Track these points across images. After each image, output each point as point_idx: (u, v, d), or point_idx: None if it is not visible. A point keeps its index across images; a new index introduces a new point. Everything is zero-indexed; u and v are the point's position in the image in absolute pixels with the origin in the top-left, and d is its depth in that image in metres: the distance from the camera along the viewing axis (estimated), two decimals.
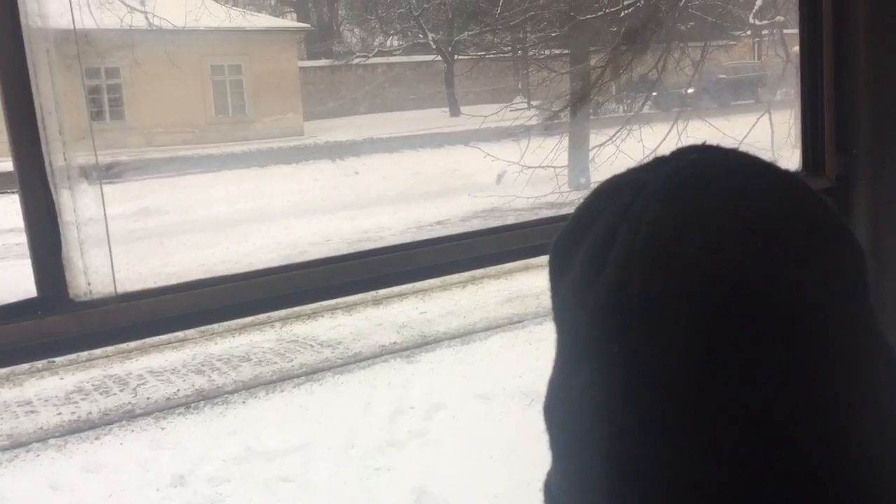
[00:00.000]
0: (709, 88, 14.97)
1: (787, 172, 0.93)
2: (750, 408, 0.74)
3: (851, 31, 1.83)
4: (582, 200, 1.00)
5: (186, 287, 1.36)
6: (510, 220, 8.00)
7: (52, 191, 1.33)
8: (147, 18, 12.43)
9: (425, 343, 8.94)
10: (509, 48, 17.89)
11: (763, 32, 10.39)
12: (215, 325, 7.54)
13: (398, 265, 1.43)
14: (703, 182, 0.86)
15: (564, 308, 0.92)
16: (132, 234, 11.31)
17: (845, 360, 0.77)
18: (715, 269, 0.76)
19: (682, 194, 0.85)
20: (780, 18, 8.20)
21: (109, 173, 13.33)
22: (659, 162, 0.96)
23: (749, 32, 10.15)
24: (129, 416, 7.64)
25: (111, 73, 14.91)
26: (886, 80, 1.84)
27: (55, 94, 1.36)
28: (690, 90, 12.89)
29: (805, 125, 1.87)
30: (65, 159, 1.38)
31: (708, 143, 1.00)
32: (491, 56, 17.30)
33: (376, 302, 10.04)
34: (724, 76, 16.79)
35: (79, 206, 1.44)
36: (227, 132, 16.23)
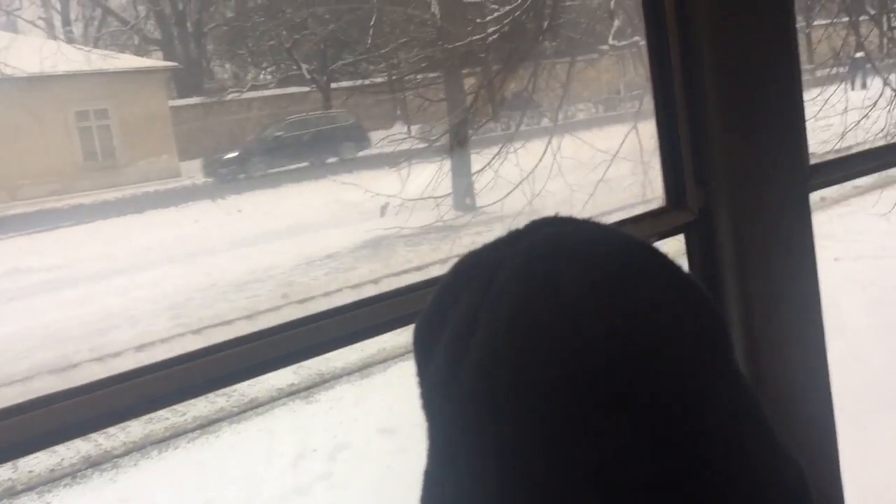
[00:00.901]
0: (258, 151, 15.12)
1: (639, 242, 0.94)
2: (626, 483, 0.73)
3: (698, 64, 1.89)
4: (441, 281, 0.99)
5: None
6: (399, 247, 7.97)
7: None
8: (0, 70, 11.83)
9: (323, 381, 8.77)
10: (384, 75, 17.96)
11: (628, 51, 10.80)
12: None
13: (280, 348, 1.36)
14: (558, 260, 0.86)
15: (431, 398, 0.91)
16: (2, 295, 10.69)
17: (713, 424, 0.78)
18: (579, 352, 0.76)
19: (540, 274, 0.85)
20: (638, 40, 8.54)
21: None
22: (513, 237, 0.97)
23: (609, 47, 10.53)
24: (9, 493, 7.14)
25: None
26: (737, 112, 1.90)
27: None
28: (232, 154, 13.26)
29: (665, 160, 1.91)
30: None
31: (560, 215, 1.01)
32: (366, 84, 17.31)
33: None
34: (281, 134, 16.16)
35: None
36: (99, 179, 15.56)
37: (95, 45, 18.69)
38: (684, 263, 1.94)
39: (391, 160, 10.73)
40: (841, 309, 7.30)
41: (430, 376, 0.90)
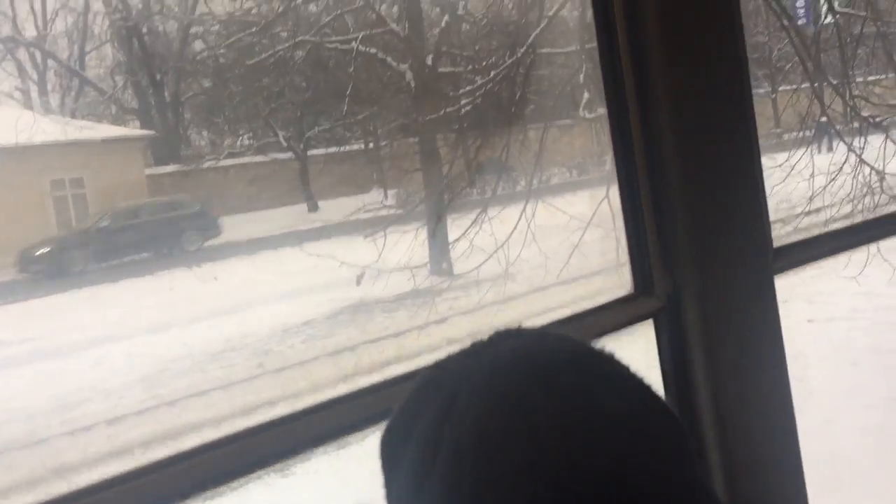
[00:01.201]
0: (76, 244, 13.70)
1: (601, 355, 0.96)
2: None
3: (660, 152, 1.93)
4: (406, 392, 1.00)
5: None
6: (377, 314, 7.94)
7: None
8: None
9: None
10: (361, 142, 18.16)
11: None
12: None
13: (266, 447, 1.35)
14: (521, 375, 0.88)
15: None
16: None
17: None
18: (542, 467, 0.77)
19: (503, 390, 0.87)
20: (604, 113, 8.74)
21: None
22: (478, 349, 0.99)
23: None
24: None
25: None
26: (700, 198, 1.94)
27: None
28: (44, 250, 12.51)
29: (631, 247, 1.94)
30: None
31: (523, 326, 1.03)
32: (343, 151, 17.48)
33: (243, 412, 9.65)
34: (107, 224, 14.45)
35: None
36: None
37: (72, 115, 18.76)
38: (653, 350, 1.96)
39: (369, 226, 10.79)
40: (815, 372, 7.35)
41: (397, 489, 0.90)
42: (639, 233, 1.92)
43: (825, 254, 2.29)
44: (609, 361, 0.94)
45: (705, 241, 1.91)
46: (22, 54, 20.19)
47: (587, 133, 15.02)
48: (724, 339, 1.89)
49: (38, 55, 20.65)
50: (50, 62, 21.13)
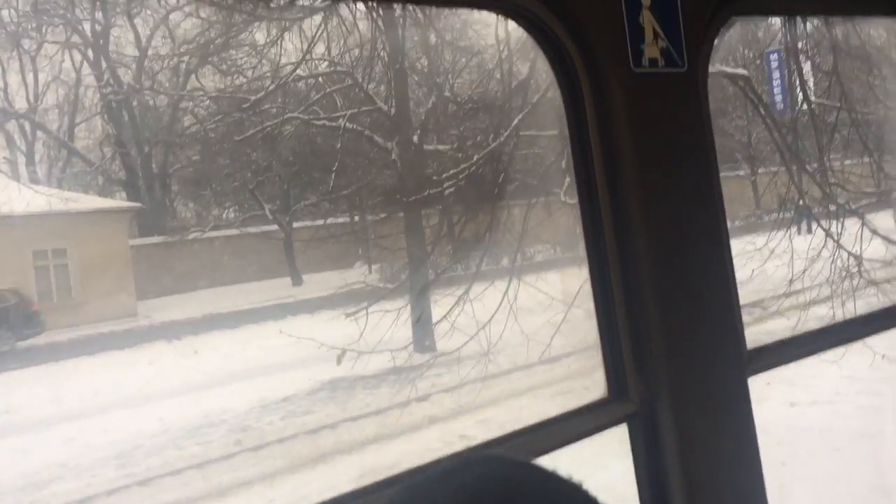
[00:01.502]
0: None
1: (566, 484, 0.95)
2: None
3: (634, 258, 1.94)
4: None
5: None
6: (358, 390, 7.80)
7: None
8: None
9: None
10: (346, 216, 18.27)
11: None
12: None
13: None
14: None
15: None
16: None
17: None
18: None
19: None
20: None
21: None
22: (447, 475, 0.98)
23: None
24: None
25: None
26: (673, 302, 1.95)
27: None
28: None
29: (605, 351, 1.94)
30: None
31: (494, 454, 1.03)
32: (328, 224, 17.56)
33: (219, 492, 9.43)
34: None
35: None
36: (52, 318, 15.28)
37: (59, 186, 18.83)
38: (627, 454, 1.94)
39: (353, 301, 10.77)
40: (798, 458, 7.29)
41: None
42: (612, 336, 1.93)
43: (801, 355, 2.30)
44: (577, 492, 0.94)
45: (679, 344, 1.92)
46: (11, 125, 20.38)
47: (572, 210, 15.20)
48: (699, 443, 1.88)
49: (27, 126, 20.85)
50: (39, 133, 21.34)
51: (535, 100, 9.05)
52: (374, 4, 11.28)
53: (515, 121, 9.13)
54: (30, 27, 19.31)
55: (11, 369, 13.13)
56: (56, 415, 11.13)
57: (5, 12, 18.36)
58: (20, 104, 20.14)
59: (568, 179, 8.59)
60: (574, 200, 9.36)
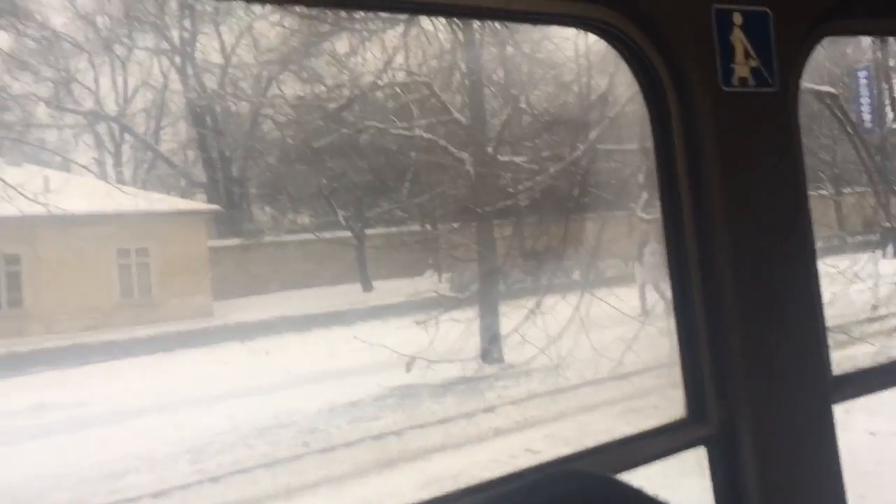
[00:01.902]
0: None
1: (653, 502, 0.95)
2: None
3: (718, 279, 1.92)
4: None
5: None
6: (424, 399, 7.81)
7: None
8: (48, 209, 12.35)
9: None
10: (418, 224, 18.41)
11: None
12: None
13: None
14: None
15: None
16: (25, 431, 10.67)
17: None
18: None
19: None
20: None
21: (3, 366, 12.72)
22: (533, 488, 0.98)
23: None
24: None
25: (11, 261, 14.57)
26: (757, 326, 1.91)
27: None
28: None
29: (685, 371, 1.91)
30: None
31: (580, 470, 1.03)
32: (400, 232, 17.71)
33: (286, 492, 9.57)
34: None
35: None
36: (133, 316, 15.83)
37: (144, 187, 19.55)
38: (702, 476, 1.91)
39: (422, 310, 10.83)
40: (879, 490, 7.00)
41: None
42: (693, 356, 1.90)
43: (889, 383, 2.22)
44: None
45: (761, 368, 1.87)
46: (101, 127, 21.26)
47: (648, 226, 15.01)
48: (781, 470, 1.83)
49: (116, 129, 21.71)
50: (126, 135, 22.20)
51: (614, 114, 8.97)
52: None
53: (593, 134, 9.06)
54: (122, 33, 20.12)
55: (92, 363, 13.64)
56: (133, 408, 11.48)
57: (99, 18, 19.18)
58: (110, 107, 21.00)
59: (645, 195, 8.47)
60: (650, 216, 9.23)
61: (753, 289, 1.92)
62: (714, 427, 1.86)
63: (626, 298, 10.31)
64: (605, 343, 9.38)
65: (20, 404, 11.41)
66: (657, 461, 1.82)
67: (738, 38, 1.85)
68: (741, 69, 1.86)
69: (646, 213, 8.87)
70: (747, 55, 1.87)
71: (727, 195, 1.91)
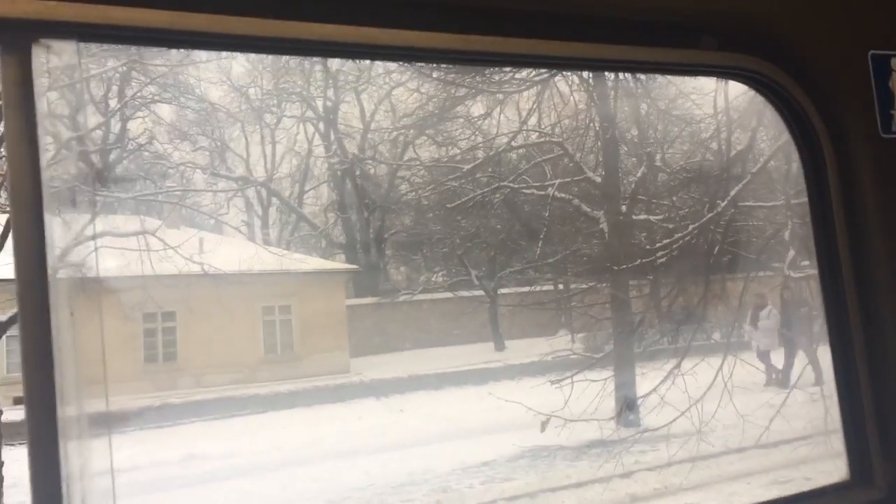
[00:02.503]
0: None
1: None
2: None
3: (880, 330, 1.84)
4: None
5: None
6: (558, 461, 7.68)
7: (60, 443, 1.29)
8: (203, 268, 13.16)
9: None
10: (551, 283, 18.32)
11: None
12: None
13: None
14: None
15: None
16: (176, 480, 11.23)
17: None
18: None
19: None
20: (810, 270, 8.34)
21: (158, 417, 13.50)
22: None
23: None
24: None
25: (167, 317, 15.55)
26: None
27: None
28: None
29: (847, 431, 1.83)
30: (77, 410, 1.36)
31: None
32: (533, 291, 17.66)
33: None
34: None
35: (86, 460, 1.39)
36: (276, 371, 16.48)
37: (288, 248, 20.53)
38: None
39: (555, 370, 10.70)
40: None
41: None
42: (854, 412, 1.81)
43: None
44: None
45: None
46: (251, 192, 22.61)
47: (790, 287, 14.32)
48: None
49: (264, 193, 23.02)
50: (273, 199, 23.49)
51: (756, 169, 8.70)
52: (589, 76, 11.45)
53: (734, 191, 8.82)
54: (271, 103, 21.47)
55: (238, 416, 14.24)
56: (274, 461, 11.86)
57: (252, 90, 20.57)
58: (259, 172, 22.33)
59: (792, 252, 8.11)
60: (798, 274, 8.80)
61: None
62: (881, 491, 1.77)
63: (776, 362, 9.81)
64: (750, 408, 8.94)
65: (172, 454, 12.03)
66: None
67: None
68: None
69: (793, 271, 8.47)
70: None
71: (890, 248, 1.83)
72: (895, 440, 1.78)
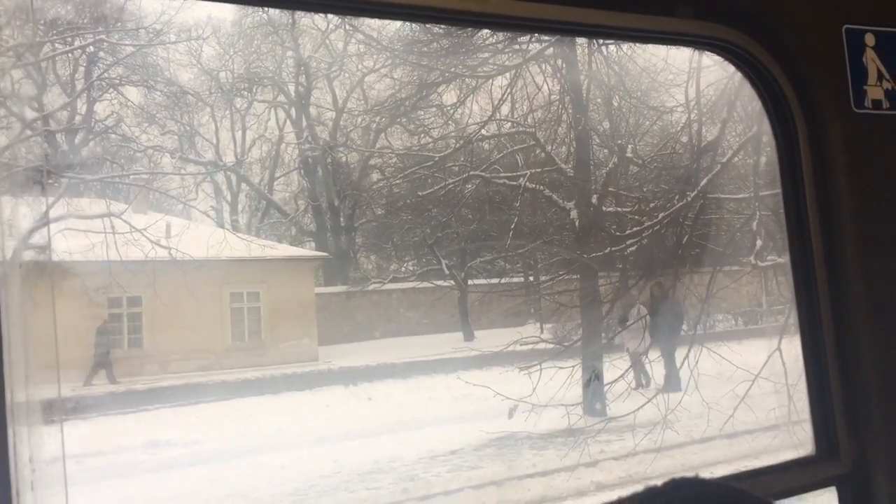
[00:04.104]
0: None
1: None
2: None
3: (847, 303, 1.83)
4: None
5: None
6: (525, 450, 7.69)
7: (9, 430, 1.24)
8: (170, 253, 13.00)
9: None
10: (521, 275, 18.36)
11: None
12: None
13: None
14: None
15: None
16: (140, 465, 11.11)
17: None
18: None
19: None
20: (777, 259, 8.40)
21: (122, 403, 13.33)
22: (652, 496, 0.98)
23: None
24: None
25: (133, 302, 15.33)
26: (893, 359, 1.82)
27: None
28: None
29: (813, 405, 1.83)
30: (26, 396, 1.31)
31: (700, 476, 1.02)
32: (503, 282, 17.69)
33: None
34: None
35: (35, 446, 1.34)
36: (243, 358, 16.33)
37: (257, 234, 20.35)
38: None
39: (523, 359, 10.72)
40: None
41: None
42: (822, 390, 1.81)
43: None
44: None
45: None
46: (220, 177, 22.35)
47: (756, 281, 14.48)
48: None
49: (233, 178, 22.77)
50: (243, 185, 23.25)
51: (726, 159, 8.77)
52: (562, 64, 11.46)
53: (703, 182, 8.88)
54: (242, 87, 21.23)
55: (204, 402, 14.11)
56: (241, 448, 11.77)
57: (223, 74, 20.32)
58: (229, 158, 22.08)
59: (759, 242, 8.19)
60: (765, 263, 8.88)
61: (889, 322, 1.82)
62: (846, 466, 1.76)
63: (738, 354, 9.91)
64: (716, 400, 9.04)
65: (137, 440, 11.89)
66: (783, 499, 1.73)
67: (871, 59, 1.80)
68: (874, 91, 1.80)
69: (760, 260, 8.56)
70: (881, 77, 1.81)
71: (860, 223, 1.83)
72: (861, 417, 1.78)
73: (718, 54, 1.77)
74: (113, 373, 14.57)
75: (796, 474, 1.75)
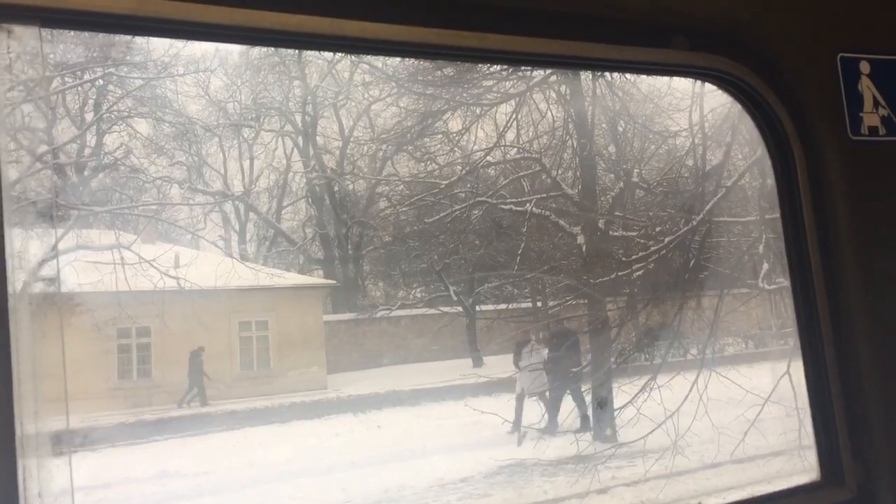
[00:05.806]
0: None
1: None
2: None
3: (850, 333, 1.84)
4: None
5: None
6: (535, 477, 7.65)
7: (18, 462, 1.24)
8: (178, 283, 13.05)
9: None
10: (528, 300, 18.33)
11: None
12: None
13: None
14: None
15: None
16: (149, 497, 11.07)
17: None
18: None
19: None
20: (784, 283, 8.38)
21: (131, 434, 13.32)
22: None
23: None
24: None
25: (142, 332, 15.36)
26: (893, 377, 1.82)
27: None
28: None
29: (817, 430, 1.83)
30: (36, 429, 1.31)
31: None
32: (511, 308, 17.67)
33: None
34: None
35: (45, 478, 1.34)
36: (251, 387, 16.32)
37: (265, 263, 20.42)
38: None
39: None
40: None
41: None
42: (826, 415, 1.81)
43: None
44: None
45: None
46: (228, 207, 22.49)
47: (765, 304, 14.41)
48: None
49: (241, 208, 22.91)
50: (251, 214, 23.38)
51: (731, 183, 8.78)
52: (566, 90, 11.52)
53: (709, 205, 8.89)
54: (250, 117, 21.41)
55: (213, 432, 14.08)
56: (250, 478, 11.72)
57: (230, 105, 20.51)
58: (237, 187, 22.22)
59: (766, 265, 8.17)
60: (772, 286, 8.86)
61: (890, 346, 1.83)
62: (851, 492, 1.76)
63: (749, 378, 9.86)
64: (726, 424, 8.97)
65: (146, 471, 11.85)
66: None
67: (867, 87, 1.82)
68: (870, 118, 1.83)
69: (767, 283, 8.54)
70: (876, 104, 1.83)
71: (859, 248, 1.84)
72: (865, 441, 1.78)
73: (715, 84, 1.80)
74: (205, 395, 14.88)
75: (802, 500, 1.75)
